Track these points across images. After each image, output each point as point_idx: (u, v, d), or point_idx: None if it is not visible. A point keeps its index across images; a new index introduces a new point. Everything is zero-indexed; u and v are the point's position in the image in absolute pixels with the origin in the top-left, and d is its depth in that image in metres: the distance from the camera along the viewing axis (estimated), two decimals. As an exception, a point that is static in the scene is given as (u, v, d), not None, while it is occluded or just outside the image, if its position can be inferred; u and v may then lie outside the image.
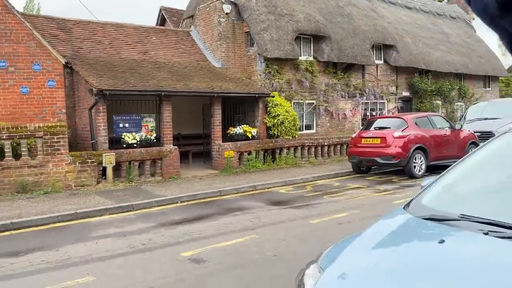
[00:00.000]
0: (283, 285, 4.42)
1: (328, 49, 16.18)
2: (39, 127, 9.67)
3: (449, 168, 3.25)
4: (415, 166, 11.25)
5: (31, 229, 7.06)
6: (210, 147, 13.38)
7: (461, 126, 13.02)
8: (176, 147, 11.90)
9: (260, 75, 15.10)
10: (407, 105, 20.16)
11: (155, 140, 11.63)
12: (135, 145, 11.09)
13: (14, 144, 9.58)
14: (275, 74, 15.18)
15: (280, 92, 14.97)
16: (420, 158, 11.38)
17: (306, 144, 14.49)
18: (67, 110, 11.90)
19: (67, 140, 10.02)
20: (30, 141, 9.69)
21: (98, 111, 10.85)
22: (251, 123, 14.01)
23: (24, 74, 11.17)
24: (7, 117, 10.85)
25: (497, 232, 2.13)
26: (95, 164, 10.26)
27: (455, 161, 11.33)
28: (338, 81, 16.90)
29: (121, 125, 11.35)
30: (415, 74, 20.05)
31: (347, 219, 7.06)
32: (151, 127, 11.90)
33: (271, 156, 13.71)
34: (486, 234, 2.13)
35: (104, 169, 10.45)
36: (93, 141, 10.92)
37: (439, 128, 12.26)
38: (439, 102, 21.03)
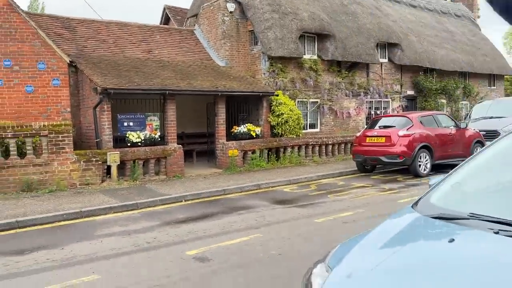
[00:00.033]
0: (288, 284, 4.40)
1: (332, 48, 16.12)
2: (44, 125, 9.70)
3: (457, 166, 3.22)
4: (420, 165, 11.19)
5: (36, 227, 7.08)
6: (214, 146, 13.38)
7: (467, 125, 12.94)
8: (180, 146, 11.90)
9: (264, 73, 15.07)
10: (411, 103, 20.07)
11: (159, 139, 11.64)
12: (139, 143, 11.10)
13: (19, 143, 9.61)
14: (279, 72, 15.15)
15: (284, 91, 14.94)
16: (425, 157, 11.33)
17: (310, 143, 14.46)
18: (71, 109, 11.92)
19: (71, 138, 10.04)
20: (35, 140, 9.71)
21: (102, 110, 10.86)
22: (255, 122, 13.99)
23: (29, 73, 11.20)
24: (12, 116, 10.89)
25: (507, 231, 2.10)
26: (99, 162, 10.27)
27: (460, 160, 11.32)
28: (343, 79, 16.85)
29: (125, 123, 11.37)
30: (420, 73, 19.96)
31: (352, 218, 7.03)
32: (155, 125, 11.90)
33: (275, 155, 13.69)
34: (497, 233, 2.10)
35: (109, 167, 10.47)
36: (97, 140, 10.94)
37: (444, 127, 12.20)
38: (444, 101, 20.93)
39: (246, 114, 14.33)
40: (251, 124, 13.56)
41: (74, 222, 7.38)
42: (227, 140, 13.00)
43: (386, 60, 18.67)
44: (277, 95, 14.07)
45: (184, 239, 6.16)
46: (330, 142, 14.96)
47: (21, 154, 9.62)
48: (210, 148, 13.98)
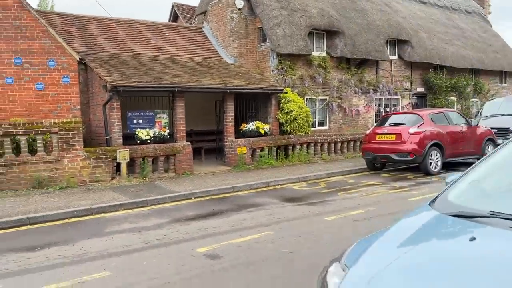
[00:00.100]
0: (301, 282, 4.37)
1: (341, 45, 16.01)
2: (54, 123, 9.75)
3: (474, 164, 3.16)
4: (431, 163, 11.08)
5: (47, 224, 7.12)
6: (222, 143, 13.36)
7: (478, 122, 12.79)
8: (189, 143, 11.90)
9: (272, 71, 15.01)
10: (421, 101, 19.89)
11: (168, 136, 11.65)
12: (148, 141, 11.12)
13: (30, 140, 9.67)
14: (288, 70, 15.08)
15: (293, 88, 14.87)
16: (436, 155, 11.21)
17: (319, 141, 14.38)
18: (81, 106, 11.98)
19: (82, 136, 10.08)
20: (46, 137, 9.77)
21: (112, 107, 10.89)
22: (264, 119, 13.95)
23: (39, 71, 11.26)
24: (23, 113, 10.97)
25: (530, 229, 2.04)
26: (109, 160, 10.31)
27: (472, 158, 11.14)
28: (352, 77, 16.73)
29: (134, 121, 11.39)
30: (430, 70, 19.76)
31: (362, 216, 6.97)
32: (165, 123, 11.92)
33: (283, 153, 13.64)
34: (520, 231, 2.05)
35: (118, 165, 10.50)
36: (107, 137, 10.97)
37: (455, 124, 12.06)
38: (454, 98, 20.71)
39: (255, 112, 14.30)
40: (260, 122, 13.52)
41: (85, 219, 7.41)
42: (235, 138, 12.98)
43: (396, 57, 18.51)
44: (286, 93, 14.01)
45: (194, 236, 6.15)
46: (339, 140, 14.87)
47: (32, 151, 9.69)
48: (219, 145, 13.96)
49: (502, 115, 14.22)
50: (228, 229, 6.48)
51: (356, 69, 16.88)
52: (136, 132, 11.11)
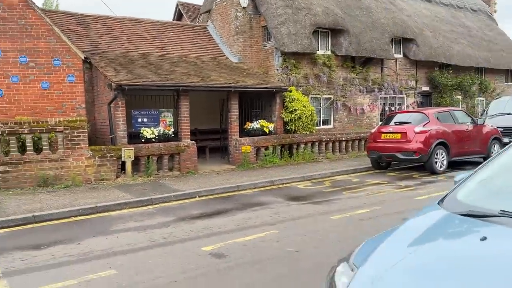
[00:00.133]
0: (307, 281, 4.35)
1: (346, 43, 15.95)
2: (59, 121, 9.77)
3: (483, 163, 3.12)
4: (436, 162, 11.02)
5: (52, 222, 7.13)
6: (227, 142, 13.35)
7: (484, 121, 12.70)
8: (193, 142, 11.90)
9: (277, 69, 14.98)
10: (426, 100, 19.79)
11: (173, 135, 11.65)
12: (153, 139, 11.13)
13: (35, 138, 9.70)
14: (292, 68, 15.04)
15: (297, 87, 14.83)
16: (442, 154, 11.15)
17: (324, 140, 14.35)
18: (86, 105, 12.00)
19: (87, 134, 10.10)
20: (51, 136, 9.80)
21: (117, 106, 10.90)
22: (268, 118, 13.92)
23: (45, 69, 11.30)
24: (28, 112, 11.00)
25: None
26: (114, 158, 10.33)
27: (477, 157, 11.04)
28: (356, 75, 16.67)
29: (139, 119, 11.40)
30: (435, 68, 19.66)
31: (368, 216, 6.94)
32: (169, 122, 11.92)
33: (288, 152, 13.61)
34: (532, 231, 2.02)
35: (123, 163, 10.52)
36: (112, 136, 10.99)
37: (461, 123, 11.99)
38: (460, 97, 20.59)
39: (259, 110, 14.27)
40: (264, 121, 13.50)
41: (90, 217, 7.42)
42: (240, 137, 12.96)
43: (401, 56, 18.42)
44: (290, 91, 13.98)
45: (200, 235, 6.15)
46: (343, 139, 14.82)
47: (37, 149, 9.72)
48: (223, 144, 13.96)
49: (509, 113, 14.14)
50: (233, 227, 6.47)
51: (361, 68, 16.82)
52: (141, 131, 11.12)
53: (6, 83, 10.92)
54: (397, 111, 16.59)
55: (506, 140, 12.62)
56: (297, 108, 13.69)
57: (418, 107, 18.20)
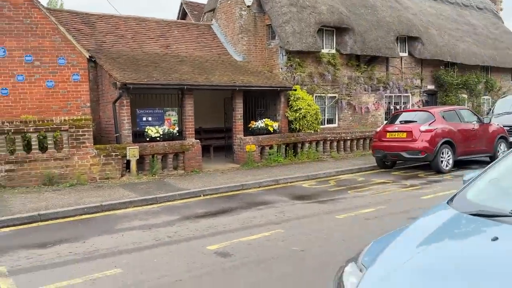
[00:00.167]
0: (312, 281, 4.32)
1: (351, 42, 15.88)
2: (64, 120, 9.79)
3: (493, 162, 3.09)
4: (442, 161, 10.95)
5: (57, 220, 7.15)
6: (231, 141, 13.33)
7: (490, 120, 12.61)
8: (198, 140, 11.89)
9: (281, 68, 14.94)
10: (432, 98, 19.68)
11: (177, 134, 11.65)
12: (158, 138, 11.13)
13: (41, 137, 9.72)
14: (297, 67, 14.99)
15: (302, 86, 14.78)
16: (448, 153, 11.07)
17: (328, 138, 14.30)
18: (91, 103, 12.02)
19: (92, 133, 10.12)
20: (56, 134, 9.82)
21: (122, 105, 10.91)
22: (273, 117, 13.89)
23: (50, 68, 11.32)
24: (33, 111, 11.03)
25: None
26: (119, 157, 10.34)
27: (484, 156, 10.95)
28: (361, 74, 16.59)
29: (144, 118, 11.41)
30: (441, 67, 19.54)
31: (374, 215, 6.90)
32: (174, 120, 11.92)
33: (292, 150, 13.58)
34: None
35: (128, 162, 10.53)
36: (117, 135, 11.00)
37: (467, 122, 11.91)
38: (465, 96, 20.46)
39: (264, 109, 14.24)
40: (269, 119, 13.47)
41: (95, 216, 7.43)
42: (244, 135, 12.94)
43: (406, 54, 18.32)
44: (295, 90, 13.93)
45: (205, 233, 6.13)
46: (348, 138, 14.77)
47: (43, 148, 9.74)
48: (228, 143, 13.95)
49: (515, 112, 14.02)
50: (238, 226, 6.45)
51: (366, 66, 16.74)
52: (146, 130, 11.13)
53: (12, 82, 10.96)
54: (402, 109, 16.51)
55: (512, 139, 12.53)
56: (301, 107, 13.65)
57: (423, 106, 18.11)
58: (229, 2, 15.53)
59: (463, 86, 20.03)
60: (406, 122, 11.52)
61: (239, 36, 15.18)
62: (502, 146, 12.31)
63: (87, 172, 9.97)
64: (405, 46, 18.32)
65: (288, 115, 13.80)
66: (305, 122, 13.74)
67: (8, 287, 4.39)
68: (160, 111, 11.69)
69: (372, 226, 6.25)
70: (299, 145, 13.71)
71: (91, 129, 10.11)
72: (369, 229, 6.06)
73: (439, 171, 10.87)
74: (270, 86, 13.24)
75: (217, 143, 14.30)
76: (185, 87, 11.49)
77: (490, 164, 3.03)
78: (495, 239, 2.05)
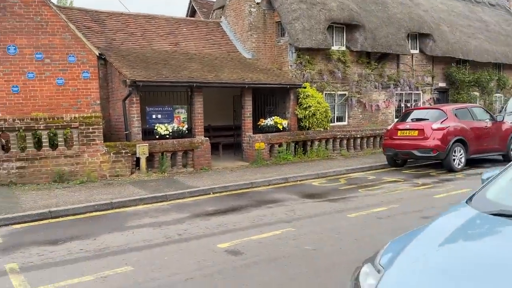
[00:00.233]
0: (325, 280, 4.27)
1: (361, 38, 15.73)
2: (75, 117, 9.82)
3: (513, 160, 3.00)
4: (454, 160, 10.80)
5: (68, 217, 7.17)
6: (240, 138, 13.29)
7: (503, 118, 12.41)
8: (207, 138, 11.87)
9: (291, 65, 14.84)
10: (443, 96, 19.44)
11: (186, 132, 11.64)
12: (167, 136, 11.13)
13: (51, 134, 9.77)
14: (307, 64, 14.88)
15: (312, 83, 14.68)
16: (460, 151, 10.92)
17: (338, 136, 14.19)
18: (101, 101, 12.05)
19: (102, 130, 10.14)
20: (66, 132, 9.85)
21: (131, 102, 10.91)
22: (282, 114, 13.81)
23: (60, 66, 11.36)
24: (44, 108, 11.09)
25: None
26: (129, 154, 10.35)
27: (496, 155, 10.80)
28: (372, 71, 16.43)
29: (154, 116, 11.40)
30: (452, 64, 19.28)
31: (386, 214, 6.81)
32: (183, 118, 11.91)
33: (302, 148, 13.50)
34: None
35: (138, 159, 10.53)
36: (127, 132, 11.01)
37: (480, 120, 11.73)
38: (477, 93, 20.18)
39: (273, 107, 14.17)
40: (278, 117, 13.39)
41: (105, 213, 7.44)
42: (253, 133, 12.89)
43: (417, 51, 18.11)
44: (305, 87, 13.83)
45: (215, 231, 6.10)
46: (358, 136, 14.64)
47: (53, 145, 9.79)
48: (237, 141, 13.91)
49: (529, 110, 13.80)
50: (248, 225, 6.41)
51: (376, 64, 16.57)
52: (155, 127, 11.13)
53: (22, 80, 11.02)
54: (413, 107, 16.32)
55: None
56: (311, 105, 13.55)
57: (434, 104, 17.90)
58: (238, -1, 15.46)
59: (475, 84, 19.75)
60: (418, 120, 11.38)
61: (248, 34, 15.11)
62: None
63: (97, 169, 10.00)
64: (416, 43, 18.11)
65: (298, 112, 13.72)
66: (315, 120, 13.64)
67: (19, 283, 4.39)
68: (169, 108, 11.68)
69: (384, 225, 6.17)
70: (309, 143, 13.62)
71: (101, 126, 10.14)
72: (382, 228, 5.99)
73: (451, 170, 10.73)
74: (279, 83, 13.16)
75: (226, 141, 14.27)
76: (195, 84, 11.46)
77: (510, 164, 2.94)
78: (520, 240, 1.97)
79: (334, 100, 15.85)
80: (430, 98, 18.50)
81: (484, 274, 1.82)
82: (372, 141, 15.02)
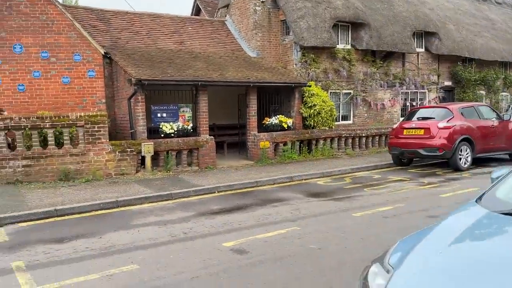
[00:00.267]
0: (330, 279, 4.24)
1: (367, 37, 15.66)
2: (80, 116, 9.84)
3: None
4: (460, 159, 10.73)
5: (74, 216, 7.18)
6: (245, 137, 13.27)
7: (510, 117, 12.31)
8: (212, 137, 11.86)
9: (296, 64, 14.80)
10: (449, 95, 19.33)
11: (191, 130, 11.64)
12: (172, 134, 11.13)
13: (57, 133, 9.80)
14: (312, 63, 14.84)
15: (317, 82, 14.63)
16: (466, 150, 10.85)
17: (343, 135, 14.14)
18: (106, 100, 12.07)
19: (107, 129, 10.16)
20: (72, 130, 9.88)
21: (137, 101, 10.93)
22: (287, 113, 13.78)
23: (65, 65, 11.40)
24: (50, 107, 11.13)
25: None
26: (134, 153, 10.36)
27: (503, 154, 10.72)
28: (377, 70, 16.36)
29: (159, 115, 11.42)
30: (458, 63, 19.15)
31: (392, 213, 6.77)
32: (188, 117, 11.91)
33: (307, 147, 13.46)
34: None
35: (143, 158, 10.55)
36: (132, 131, 11.03)
37: (486, 119, 11.65)
38: (483, 92, 20.05)
39: (278, 106, 14.14)
40: (283, 116, 13.36)
41: (111, 212, 7.45)
42: (258, 132, 12.87)
43: (423, 50, 18.01)
44: (310, 86, 13.79)
45: (220, 230, 6.10)
46: (363, 135, 14.58)
47: (59, 144, 9.82)
48: (241, 139, 13.89)
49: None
50: (254, 223, 6.40)
51: (381, 62, 16.50)
52: (160, 126, 11.14)
53: (28, 78, 11.07)
54: (419, 106, 16.24)
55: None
56: (316, 103, 13.51)
57: (440, 103, 17.80)
58: (243, -3, 15.43)
59: (481, 82, 19.62)
60: (424, 118, 11.31)
61: (253, 32, 15.08)
62: None
63: (103, 167, 10.02)
64: (422, 41, 18.01)
65: (303, 111, 13.68)
66: (320, 118, 13.60)
67: (26, 281, 4.40)
68: (174, 107, 11.69)
69: (390, 224, 6.13)
70: (314, 142, 13.59)
71: (107, 125, 10.15)
72: (388, 228, 5.96)
73: (457, 169, 10.66)
74: (284, 82, 13.13)
75: (230, 139, 14.26)
76: (199, 83, 11.46)
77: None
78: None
79: (339, 98, 15.80)
80: (436, 97, 18.40)
81: (496, 274, 1.79)
82: (377, 140, 14.96)
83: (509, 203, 2.46)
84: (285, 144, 12.98)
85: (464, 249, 2.06)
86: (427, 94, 18.15)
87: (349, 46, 15.75)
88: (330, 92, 15.28)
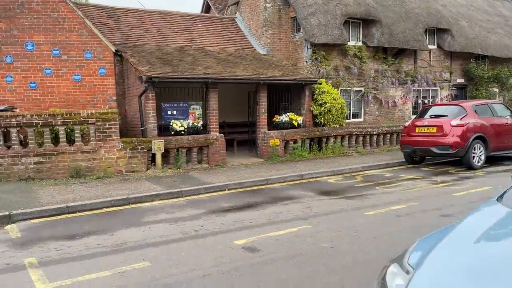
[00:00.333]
0: (344, 278, 4.19)
1: (378, 34, 15.50)
2: (91, 113, 9.88)
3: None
4: (474, 157, 10.57)
5: (85, 213, 7.21)
6: (255, 135, 13.23)
7: (525, 115, 12.09)
8: (222, 134, 11.84)
9: (306, 61, 14.72)
10: (461, 92, 19.08)
11: (201, 128, 11.63)
12: (182, 132, 11.13)
13: (68, 130, 9.85)
14: (322, 60, 14.74)
15: (327, 79, 14.53)
16: (480, 148, 10.69)
17: (354, 133, 14.02)
18: (117, 97, 12.12)
19: (118, 126, 10.19)
20: (83, 127, 9.93)
21: (147, 99, 10.94)
22: (297, 111, 13.70)
23: (77, 62, 11.46)
24: (61, 104, 11.20)
25: None
26: (145, 150, 10.38)
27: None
28: (388, 67, 16.19)
29: (169, 112, 11.42)
30: (471, 60, 18.89)
31: (405, 212, 6.68)
32: (198, 114, 11.90)
33: (317, 145, 13.37)
34: None
35: (153, 155, 10.57)
36: (142, 128, 11.05)
37: (500, 117, 11.47)
38: (496, 90, 19.75)
39: (288, 103, 14.07)
40: (293, 113, 13.29)
41: (122, 209, 7.46)
42: (268, 130, 12.82)
43: (435, 47, 17.79)
44: (320, 84, 13.69)
45: (231, 228, 6.07)
46: (374, 132, 14.45)
47: (70, 141, 9.88)
48: (251, 137, 13.85)
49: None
50: (265, 221, 6.36)
51: (393, 59, 16.33)
52: (171, 123, 11.15)
53: (40, 76, 11.14)
54: (432, 104, 16.05)
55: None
56: (326, 101, 13.40)
57: (452, 100, 17.58)
58: (253, -6, 15.37)
59: (494, 80, 19.33)
60: (437, 116, 11.15)
61: (263, 29, 15.02)
62: None
63: (114, 165, 10.05)
64: (434, 38, 17.79)
65: (313, 109, 13.59)
66: (330, 116, 13.50)
67: (38, 278, 4.41)
68: (184, 104, 11.68)
69: (403, 223, 6.05)
70: (324, 139, 13.49)
71: (118, 122, 10.18)
72: (401, 226, 5.87)
73: (471, 167, 10.51)
74: (294, 79, 13.05)
75: (240, 137, 14.23)
76: (210, 80, 11.43)
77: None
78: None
79: (350, 96, 15.68)
80: (448, 95, 18.18)
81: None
82: (388, 138, 14.81)
83: (532, 202, 2.38)
84: (295, 142, 12.91)
85: (488, 249, 1.99)
86: (439, 92, 17.93)
87: (360, 43, 15.61)
88: (341, 90, 15.16)
